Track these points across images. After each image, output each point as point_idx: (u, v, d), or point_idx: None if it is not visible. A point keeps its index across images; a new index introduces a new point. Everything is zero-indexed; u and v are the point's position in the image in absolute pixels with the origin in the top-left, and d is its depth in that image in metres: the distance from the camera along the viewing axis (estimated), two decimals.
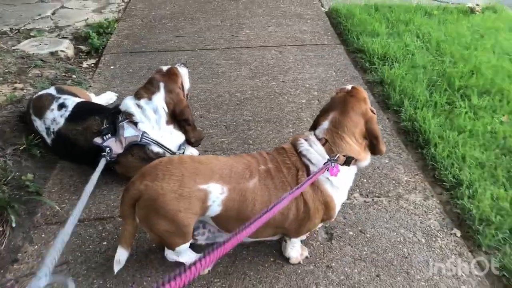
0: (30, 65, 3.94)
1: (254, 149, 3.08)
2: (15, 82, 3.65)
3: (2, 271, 2.24)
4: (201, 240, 2.27)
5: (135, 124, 2.60)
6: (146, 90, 2.68)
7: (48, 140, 2.80)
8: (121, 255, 2.05)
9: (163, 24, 5.20)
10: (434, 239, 2.42)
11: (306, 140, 2.04)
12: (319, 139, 2.00)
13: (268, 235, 2.15)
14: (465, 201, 2.54)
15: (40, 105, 2.85)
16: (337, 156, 1.91)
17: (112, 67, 4.18)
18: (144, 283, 2.17)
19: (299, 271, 2.23)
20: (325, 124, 2.02)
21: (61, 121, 2.73)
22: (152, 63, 4.23)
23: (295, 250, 2.26)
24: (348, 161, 1.95)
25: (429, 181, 2.83)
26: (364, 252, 2.33)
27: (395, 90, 3.62)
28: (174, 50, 4.52)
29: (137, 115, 2.61)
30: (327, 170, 1.88)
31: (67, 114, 2.75)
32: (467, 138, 3.02)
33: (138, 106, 2.62)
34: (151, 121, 2.62)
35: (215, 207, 1.87)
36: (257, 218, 1.32)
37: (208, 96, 3.70)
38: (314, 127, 2.10)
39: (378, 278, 2.20)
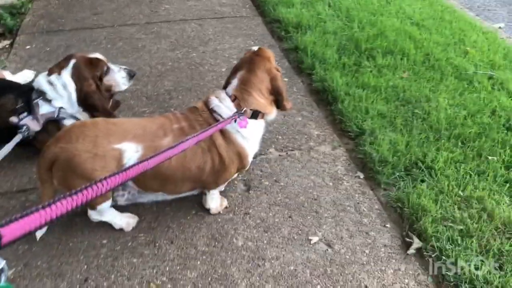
0: None
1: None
2: None
3: None
4: (121, 201, 2.35)
5: (49, 101, 2.59)
6: (58, 65, 2.65)
7: None
8: None
9: (80, 3, 5.10)
10: (340, 182, 2.69)
11: (217, 97, 2.18)
12: (229, 96, 2.16)
13: (188, 189, 2.28)
14: (367, 147, 2.83)
15: None
16: (243, 110, 2.08)
17: (28, 47, 4.09)
18: (70, 244, 2.25)
19: (219, 219, 2.41)
20: (234, 82, 2.18)
21: None
22: (70, 41, 4.18)
23: (215, 201, 2.41)
24: (255, 114, 2.13)
25: (337, 133, 3.11)
26: (279, 198, 2.55)
27: (307, 55, 3.85)
28: (92, 27, 4.48)
29: (49, 92, 2.58)
30: (235, 122, 2.05)
31: None
32: (370, 94, 3.32)
33: (50, 82, 2.59)
34: (64, 98, 2.60)
35: None
36: (159, 152, 1.36)
37: None
38: (225, 86, 2.25)
39: (290, 218, 2.43)
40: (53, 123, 2.61)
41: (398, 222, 2.45)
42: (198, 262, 2.18)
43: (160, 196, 2.33)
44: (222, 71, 3.78)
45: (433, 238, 2.24)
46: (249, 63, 2.19)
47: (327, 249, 2.26)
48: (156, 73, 3.72)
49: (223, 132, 2.12)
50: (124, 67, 2.80)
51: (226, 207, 2.47)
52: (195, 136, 1.64)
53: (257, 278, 2.11)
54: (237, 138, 2.14)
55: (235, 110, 2.10)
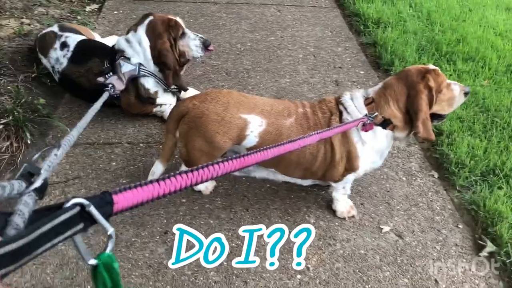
0: (35, 3, 4.02)
1: (253, 94, 3.27)
2: (22, 18, 3.74)
3: None
4: (236, 171, 2.40)
5: (128, 59, 2.70)
6: (135, 23, 2.77)
7: (55, 78, 2.94)
8: (157, 168, 2.26)
9: None
10: (414, 178, 2.69)
11: (350, 94, 2.13)
12: (366, 97, 2.08)
13: (298, 176, 2.25)
14: (444, 148, 2.81)
15: (44, 44, 2.96)
16: (375, 114, 1.97)
17: (115, 12, 4.28)
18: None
19: (292, 195, 2.47)
20: (379, 85, 2.11)
21: (64, 62, 2.83)
22: (155, 11, 4.32)
23: (340, 204, 2.34)
24: (385, 123, 2.00)
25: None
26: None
27: (387, 51, 3.84)
28: (176, 1, 4.63)
29: (127, 49, 2.70)
30: (362, 124, 1.94)
31: (69, 54, 2.83)
32: None
33: (127, 40, 2.72)
34: (140, 54, 2.70)
35: (252, 138, 2.03)
36: (278, 144, 1.26)
37: None
38: None
39: (362, 206, 2.46)
40: (133, 84, 2.73)
41: (470, 224, 2.43)
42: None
43: (272, 175, 2.32)
44: (299, 57, 3.83)
45: (508, 244, 2.21)
46: (403, 72, 2.07)
47: (398, 240, 2.28)
48: (236, 51, 3.82)
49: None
50: (200, 35, 2.81)
51: (353, 216, 2.38)
52: (317, 133, 1.56)
53: (328, 256, 2.16)
54: (354, 136, 2.05)
55: (364, 110, 2.02)
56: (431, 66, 2.08)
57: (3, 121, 2.57)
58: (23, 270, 1.98)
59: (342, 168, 2.14)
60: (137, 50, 2.70)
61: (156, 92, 2.80)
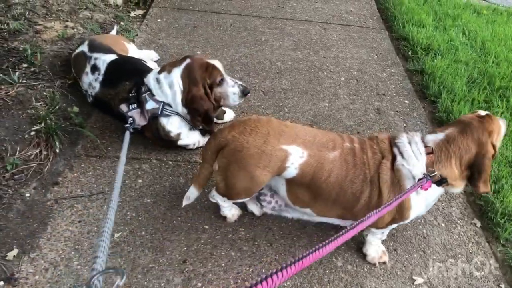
0: (82, 7, 4.05)
1: (289, 117, 3.16)
2: (67, 21, 3.77)
3: (44, 191, 2.39)
4: (267, 209, 2.29)
5: (154, 96, 2.56)
6: (172, 63, 2.60)
7: (88, 100, 2.85)
8: (192, 193, 2.20)
9: None
10: (454, 225, 2.49)
11: (407, 137, 1.97)
12: (424, 145, 1.94)
13: (336, 215, 2.10)
14: (490, 195, 2.59)
15: (77, 67, 2.91)
16: (434, 174, 1.84)
17: (159, 20, 4.26)
18: (174, 222, 2.30)
19: (320, 233, 2.33)
20: (440, 135, 1.94)
21: (97, 86, 2.74)
22: (197, 21, 4.30)
23: (373, 248, 2.20)
24: (441, 182, 1.87)
25: None
26: None
27: (435, 81, 3.63)
28: (220, 12, 4.58)
29: (154, 90, 2.55)
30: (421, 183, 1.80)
31: (100, 78, 2.73)
32: None
33: (157, 80, 2.55)
34: (168, 97, 2.54)
35: (292, 170, 1.92)
36: (335, 237, 1.25)
37: (249, 61, 3.77)
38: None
39: (395, 252, 2.29)
40: (154, 122, 2.58)
41: None
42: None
43: (306, 216, 2.21)
44: (340, 80, 3.68)
45: None
46: (466, 125, 1.91)
47: None
48: (276, 69, 3.71)
49: (393, 169, 1.92)
50: (240, 82, 2.63)
51: (384, 263, 2.23)
52: (387, 206, 1.53)
53: None
54: (407, 183, 1.89)
55: (423, 159, 1.88)
56: (482, 112, 1.97)
57: (35, 127, 2.56)
58: None
59: (389, 217, 1.98)
60: (166, 93, 2.53)
61: (178, 134, 2.64)
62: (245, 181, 1.94)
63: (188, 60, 2.54)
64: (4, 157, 2.37)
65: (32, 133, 2.55)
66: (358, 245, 2.28)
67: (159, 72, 2.57)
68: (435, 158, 1.88)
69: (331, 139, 1.99)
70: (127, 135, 2.26)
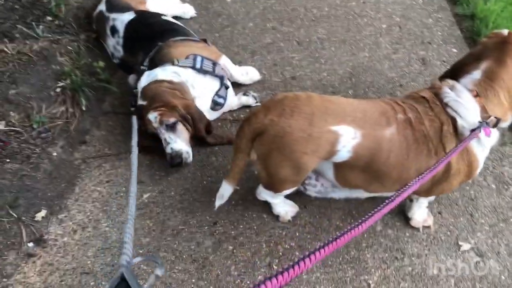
0: None
1: (325, 69, 2.95)
2: None
3: (71, 150, 2.34)
4: (311, 192, 2.10)
5: None
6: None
7: (115, 62, 2.77)
8: (226, 190, 1.92)
9: None
10: (506, 187, 2.29)
11: (451, 89, 1.75)
12: (468, 90, 1.72)
13: (393, 190, 1.83)
14: None
15: (99, 29, 2.82)
16: (490, 119, 1.66)
17: None
18: (204, 182, 2.21)
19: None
20: (476, 74, 1.73)
21: (121, 50, 2.65)
22: None
23: (421, 212, 2.05)
24: (497, 123, 1.71)
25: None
26: None
27: (487, 26, 3.29)
28: None
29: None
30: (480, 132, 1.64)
31: (121, 41, 2.63)
32: None
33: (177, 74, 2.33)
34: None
35: (343, 153, 1.68)
36: (372, 214, 1.16)
37: (283, 8, 3.53)
38: (455, 75, 1.80)
39: (439, 215, 2.13)
40: None
41: None
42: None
43: (355, 193, 2.02)
44: (382, 27, 3.39)
45: None
46: (498, 52, 1.71)
47: (479, 262, 1.95)
48: (311, 17, 3.45)
49: (458, 137, 1.71)
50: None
51: (428, 227, 2.08)
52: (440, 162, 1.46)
53: (393, 272, 1.90)
54: (474, 146, 1.73)
55: (476, 110, 1.68)
56: (504, 31, 1.77)
57: (61, 84, 2.48)
58: (66, 250, 1.91)
59: (457, 182, 1.81)
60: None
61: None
62: (291, 170, 1.72)
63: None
64: (31, 115, 2.32)
65: (58, 89, 2.48)
66: (399, 208, 2.13)
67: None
68: (484, 101, 1.69)
69: (382, 112, 1.73)
70: (134, 121, 2.13)
